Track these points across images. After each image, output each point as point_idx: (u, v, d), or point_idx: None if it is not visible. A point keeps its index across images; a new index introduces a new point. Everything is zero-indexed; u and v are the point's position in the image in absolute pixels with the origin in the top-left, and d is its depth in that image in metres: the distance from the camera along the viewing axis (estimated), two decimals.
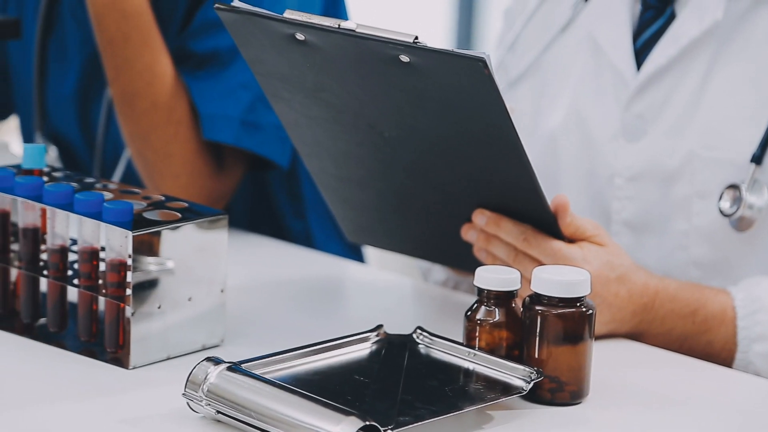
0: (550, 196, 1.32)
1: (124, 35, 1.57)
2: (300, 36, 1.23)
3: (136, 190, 1.32)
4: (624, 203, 1.49)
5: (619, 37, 1.50)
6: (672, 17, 1.48)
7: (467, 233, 1.36)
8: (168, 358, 1.26)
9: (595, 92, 1.52)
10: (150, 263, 1.24)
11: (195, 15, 1.65)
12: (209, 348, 1.29)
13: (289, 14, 1.23)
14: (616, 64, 1.50)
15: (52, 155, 1.75)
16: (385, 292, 1.51)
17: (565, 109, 1.54)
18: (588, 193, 1.51)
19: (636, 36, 1.50)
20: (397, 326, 1.30)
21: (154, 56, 1.58)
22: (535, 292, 1.20)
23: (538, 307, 1.20)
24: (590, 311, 1.20)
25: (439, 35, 4.32)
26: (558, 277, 1.19)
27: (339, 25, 1.20)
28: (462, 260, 1.42)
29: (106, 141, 1.72)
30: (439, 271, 1.60)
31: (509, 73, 1.61)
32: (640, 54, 1.49)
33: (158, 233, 1.24)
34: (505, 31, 1.65)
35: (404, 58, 1.19)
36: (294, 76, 1.30)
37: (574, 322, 1.19)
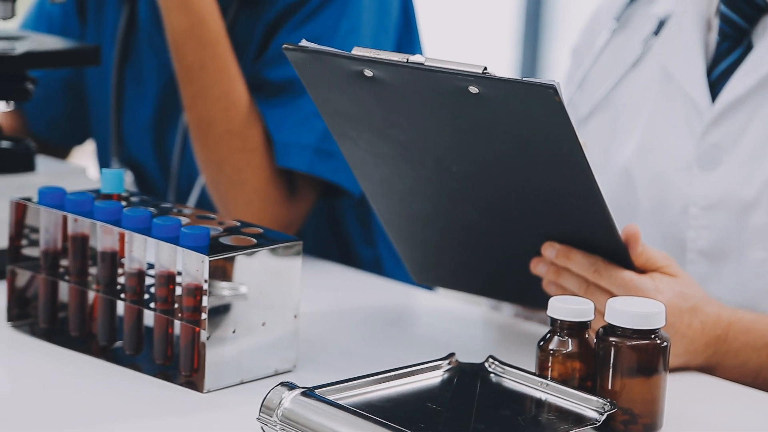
0: (623, 227, 1.31)
1: (201, 63, 1.59)
2: (368, 72, 1.23)
3: (212, 215, 1.34)
4: (700, 232, 1.48)
5: (693, 68, 1.50)
6: (749, 48, 1.48)
7: (536, 266, 1.35)
8: (241, 383, 1.27)
9: (668, 123, 1.52)
10: (224, 288, 1.26)
11: (270, 44, 1.67)
12: (282, 373, 1.30)
13: (357, 51, 1.23)
14: (691, 94, 1.49)
15: (128, 180, 1.77)
16: (456, 320, 1.51)
17: (637, 141, 1.53)
18: (662, 223, 1.51)
19: (711, 66, 1.50)
20: (468, 355, 1.30)
21: (230, 84, 1.60)
22: (610, 324, 1.20)
23: (612, 339, 1.19)
24: (665, 343, 1.19)
25: (503, 72, 4.31)
26: (633, 309, 1.19)
27: (407, 60, 1.21)
28: (530, 297, 1.41)
29: (181, 167, 1.74)
30: (508, 306, 1.59)
31: (578, 110, 1.61)
32: (716, 84, 1.49)
33: (233, 258, 1.25)
34: (573, 70, 1.65)
35: (473, 90, 1.19)
36: (362, 113, 1.30)
37: (648, 354, 1.19)
